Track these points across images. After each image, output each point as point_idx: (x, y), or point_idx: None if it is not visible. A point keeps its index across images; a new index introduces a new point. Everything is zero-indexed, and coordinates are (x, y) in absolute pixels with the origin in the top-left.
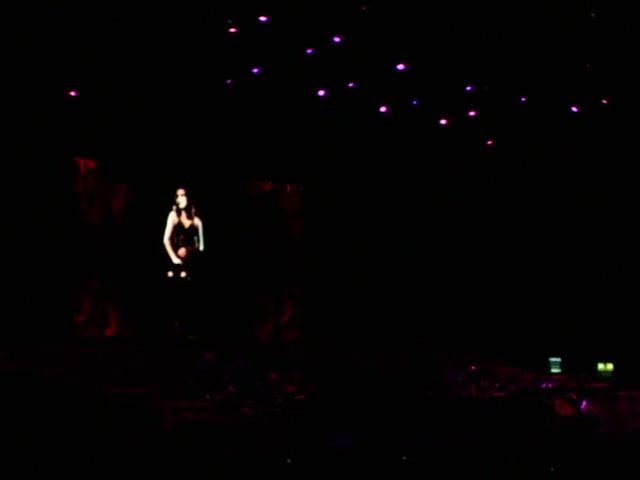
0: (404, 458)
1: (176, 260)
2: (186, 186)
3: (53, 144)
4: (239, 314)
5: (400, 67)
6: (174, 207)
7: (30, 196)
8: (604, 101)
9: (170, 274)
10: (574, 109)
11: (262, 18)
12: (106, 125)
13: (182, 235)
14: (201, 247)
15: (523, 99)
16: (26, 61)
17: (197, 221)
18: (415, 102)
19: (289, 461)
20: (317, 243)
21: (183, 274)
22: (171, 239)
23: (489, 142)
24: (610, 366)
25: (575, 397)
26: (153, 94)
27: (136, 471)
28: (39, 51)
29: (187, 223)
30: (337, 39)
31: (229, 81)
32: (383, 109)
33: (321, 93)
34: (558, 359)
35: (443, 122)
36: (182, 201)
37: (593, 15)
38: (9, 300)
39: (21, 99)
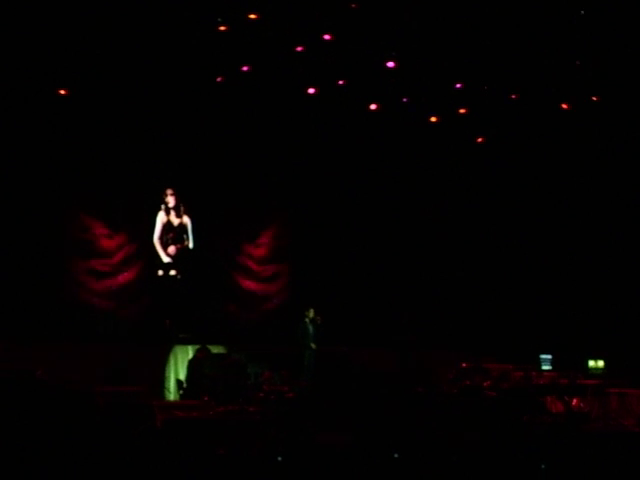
0: (396, 455)
1: (166, 259)
2: (174, 185)
3: (41, 148)
4: (231, 312)
5: (390, 65)
6: (162, 206)
7: (23, 199)
8: (594, 98)
9: (160, 272)
10: (564, 106)
11: (252, 16)
12: (95, 125)
13: (171, 233)
14: (190, 245)
15: (513, 96)
16: (13, 63)
17: (186, 219)
18: (405, 100)
19: (280, 459)
20: (310, 241)
21: (173, 272)
22: (160, 238)
23: (479, 139)
24: (601, 363)
25: (567, 399)
26: (142, 93)
27: (128, 469)
28: (27, 52)
29: (176, 222)
30: (327, 37)
31: (219, 79)
32: (373, 107)
33: (311, 91)
34: (549, 356)
35: (433, 119)
36: (170, 200)
37: (582, 13)
38: (2, 299)
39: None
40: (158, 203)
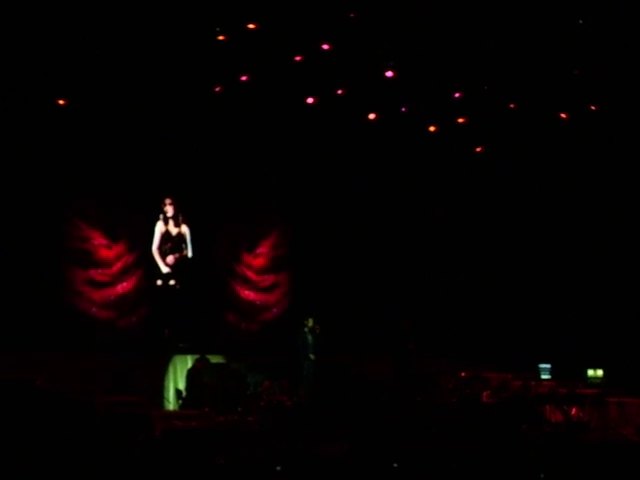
0: (395, 465)
1: (164, 268)
2: (173, 195)
3: (39, 157)
4: (230, 321)
5: (389, 74)
6: (161, 216)
7: (22, 208)
8: (592, 107)
9: (159, 282)
10: (562, 115)
11: (250, 26)
12: (93, 134)
13: (170, 243)
14: (189, 254)
15: (512, 106)
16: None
17: (184, 229)
18: (404, 109)
19: (279, 468)
20: (308, 250)
21: (172, 282)
22: (159, 247)
23: (478, 149)
24: (600, 372)
25: (567, 408)
26: (140, 102)
27: (127, 479)
28: (25, 60)
29: (174, 231)
30: (326, 46)
31: (218, 88)
32: (372, 116)
33: (310, 100)
34: (548, 365)
35: (432, 129)
36: (169, 209)
37: (581, 22)
38: (2, 308)
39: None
40: (157, 213)
